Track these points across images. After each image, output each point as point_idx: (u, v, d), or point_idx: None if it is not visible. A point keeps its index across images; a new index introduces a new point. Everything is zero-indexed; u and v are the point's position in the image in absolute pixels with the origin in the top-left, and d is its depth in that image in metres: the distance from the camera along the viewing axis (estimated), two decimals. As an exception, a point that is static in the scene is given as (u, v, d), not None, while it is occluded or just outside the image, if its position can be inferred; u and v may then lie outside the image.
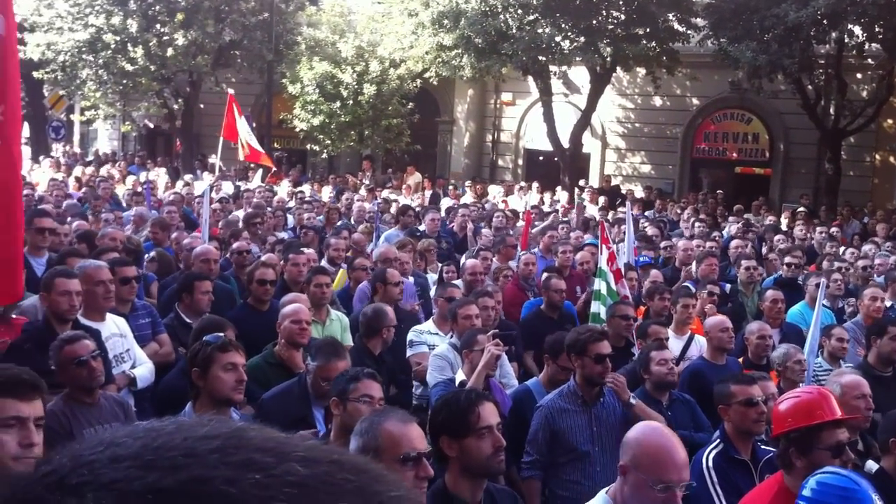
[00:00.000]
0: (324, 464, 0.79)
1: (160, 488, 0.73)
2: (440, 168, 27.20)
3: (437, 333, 7.44)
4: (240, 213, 13.25)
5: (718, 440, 5.06)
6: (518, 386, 6.68)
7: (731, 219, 16.59)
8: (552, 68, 22.37)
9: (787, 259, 10.55)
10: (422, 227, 12.66)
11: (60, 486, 0.76)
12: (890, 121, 22.79)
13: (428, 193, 21.18)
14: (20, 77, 5.90)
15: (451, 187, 21.88)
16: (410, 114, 23.76)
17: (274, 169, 20.35)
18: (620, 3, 20.78)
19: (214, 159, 20.90)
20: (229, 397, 4.52)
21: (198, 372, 4.54)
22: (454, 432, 3.89)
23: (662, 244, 12.25)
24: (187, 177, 19.67)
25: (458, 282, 8.91)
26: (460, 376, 6.13)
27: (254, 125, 19.74)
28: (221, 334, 4.84)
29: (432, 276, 10.07)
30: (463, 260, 10.45)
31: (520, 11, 20.58)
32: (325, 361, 5.12)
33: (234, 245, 9.42)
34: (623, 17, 21.14)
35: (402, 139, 23.82)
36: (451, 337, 6.97)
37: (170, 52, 22.64)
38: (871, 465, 5.00)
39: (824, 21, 18.92)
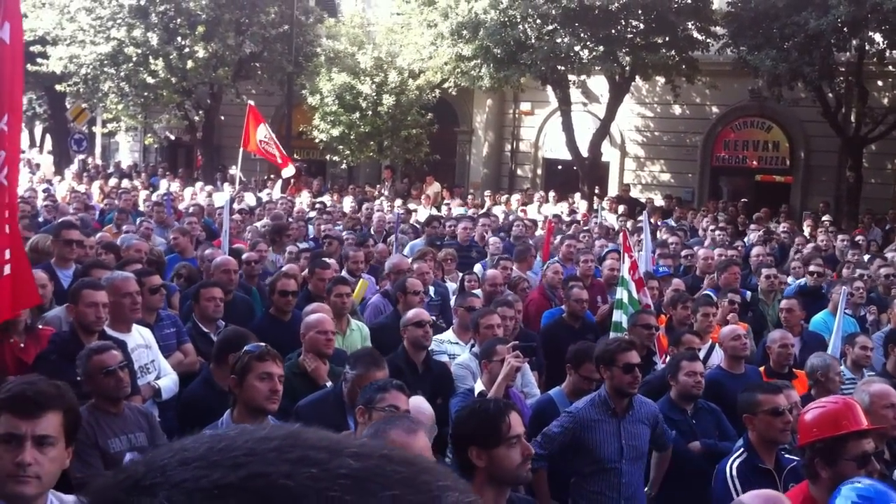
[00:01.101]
0: (374, 458, 0.85)
1: (224, 484, 0.79)
2: (459, 178, 27.26)
3: (457, 343, 7.48)
4: (258, 225, 13.33)
5: (742, 449, 5.04)
6: (540, 395, 6.68)
7: (751, 227, 16.51)
8: (571, 77, 22.36)
9: (812, 268, 10.49)
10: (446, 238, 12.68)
11: (135, 488, 0.82)
12: (911, 128, 22.62)
13: (454, 202, 21.10)
14: (23, 86, 5.95)
15: (469, 196, 21.91)
16: (429, 124, 23.81)
17: (293, 172, 20.30)
18: (639, 11, 20.74)
19: (235, 171, 21.02)
20: (263, 406, 4.55)
21: (235, 380, 4.60)
22: (484, 442, 3.87)
23: (683, 253, 12.20)
24: (208, 188, 19.79)
25: (478, 291, 8.92)
26: (479, 386, 6.13)
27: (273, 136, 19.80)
28: (262, 343, 4.86)
29: (452, 286, 10.07)
30: (477, 269, 10.46)
31: (539, 21, 20.61)
32: (365, 370, 5.11)
33: (244, 255, 9.47)
34: (642, 25, 21.13)
35: (420, 149, 23.88)
36: (473, 346, 6.98)
37: (190, 64, 22.81)
38: (902, 475, 4.96)
39: (845, 29, 18.80)
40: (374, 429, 3.59)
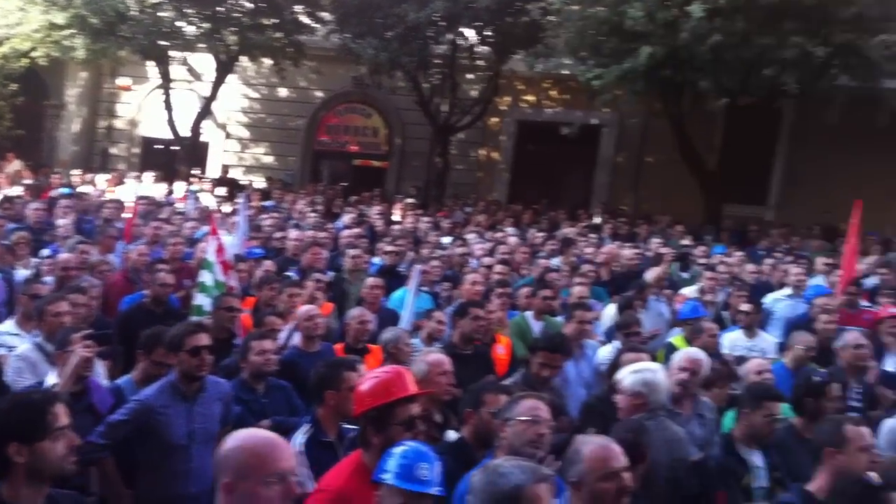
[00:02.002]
0: None
1: None
2: (46, 155, 25.29)
3: (17, 334, 6.91)
4: None
5: (309, 424, 5.17)
6: (108, 384, 6.37)
7: (347, 209, 17.07)
8: (173, 54, 21.73)
9: (388, 248, 11.12)
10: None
11: None
12: (495, 119, 24.75)
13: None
14: None
15: (55, 175, 20.32)
16: (13, 95, 21.82)
17: None
18: (248, -10, 20.71)
19: None
20: None
21: None
22: (28, 437, 3.55)
23: (276, 235, 12.30)
24: None
25: (49, 278, 8.31)
26: (53, 379, 5.73)
27: None
28: None
29: (25, 273, 9.23)
30: (45, 253, 9.79)
31: (143, -7, 19.79)
32: None
33: None
34: (251, 5, 21.13)
35: (2, 123, 21.77)
36: (38, 337, 6.49)
37: None
38: (452, 435, 5.36)
39: (441, 23, 20.15)
40: None
